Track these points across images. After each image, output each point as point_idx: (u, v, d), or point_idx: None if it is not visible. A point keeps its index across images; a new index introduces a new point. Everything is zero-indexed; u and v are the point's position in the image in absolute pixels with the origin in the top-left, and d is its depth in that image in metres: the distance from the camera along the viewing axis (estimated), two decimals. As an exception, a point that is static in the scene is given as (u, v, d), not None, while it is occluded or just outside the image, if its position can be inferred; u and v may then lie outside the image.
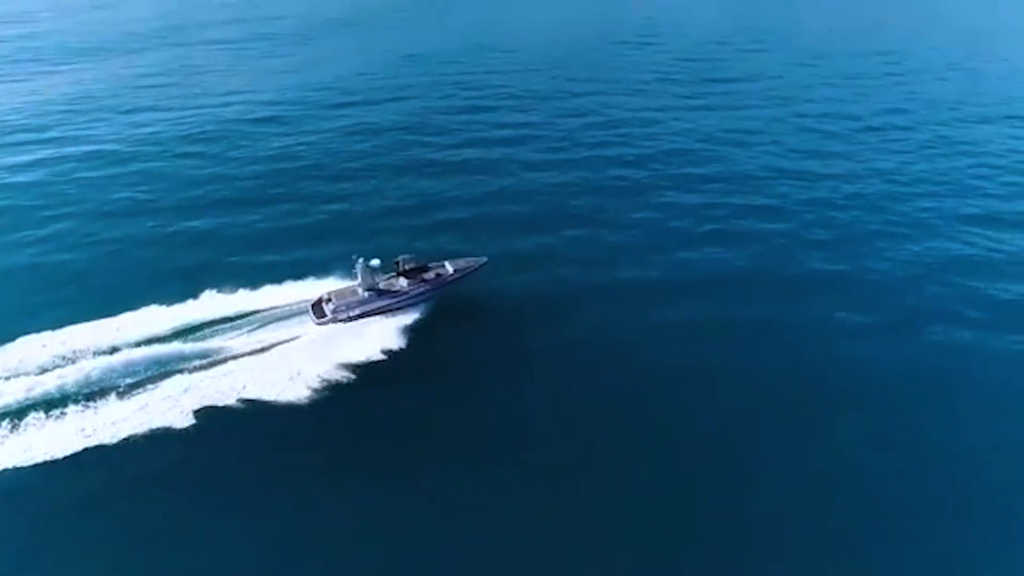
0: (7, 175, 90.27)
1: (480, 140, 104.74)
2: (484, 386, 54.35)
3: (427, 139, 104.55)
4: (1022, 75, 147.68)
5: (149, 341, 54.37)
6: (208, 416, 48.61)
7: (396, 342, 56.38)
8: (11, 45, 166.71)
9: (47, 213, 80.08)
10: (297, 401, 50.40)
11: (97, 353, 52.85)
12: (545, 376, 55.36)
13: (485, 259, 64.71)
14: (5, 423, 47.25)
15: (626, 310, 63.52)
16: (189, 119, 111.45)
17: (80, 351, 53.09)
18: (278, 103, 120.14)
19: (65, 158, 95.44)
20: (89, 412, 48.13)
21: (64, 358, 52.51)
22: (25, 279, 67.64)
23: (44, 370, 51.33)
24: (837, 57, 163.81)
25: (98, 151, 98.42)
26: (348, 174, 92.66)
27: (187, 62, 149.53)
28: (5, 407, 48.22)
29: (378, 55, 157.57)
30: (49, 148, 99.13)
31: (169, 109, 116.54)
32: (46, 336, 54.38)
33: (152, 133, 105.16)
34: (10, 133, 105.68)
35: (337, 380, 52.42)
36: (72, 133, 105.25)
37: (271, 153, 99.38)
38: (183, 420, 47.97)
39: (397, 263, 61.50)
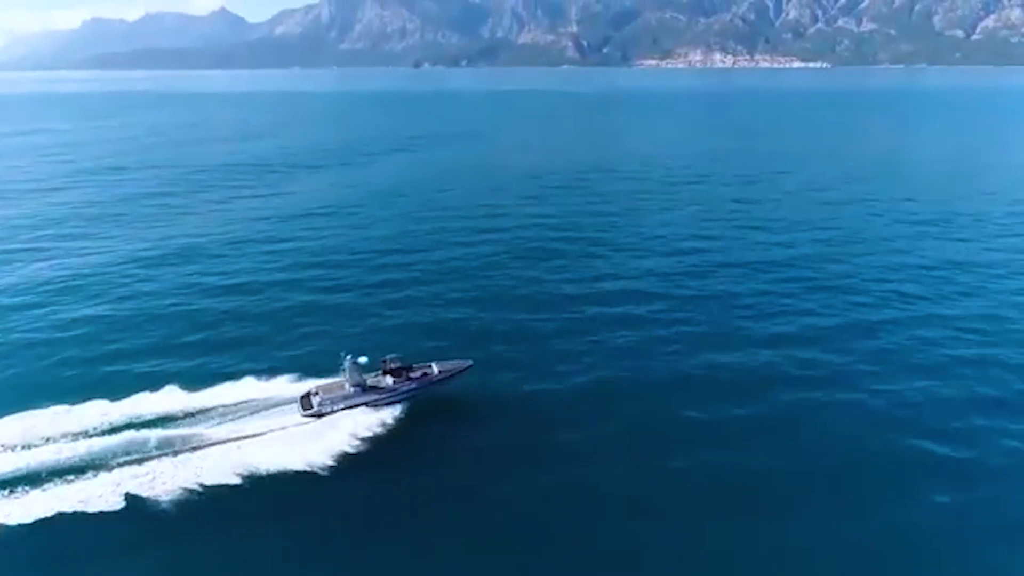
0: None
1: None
2: (462, 478, 54.72)
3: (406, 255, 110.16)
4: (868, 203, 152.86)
5: (138, 426, 56.08)
6: (191, 498, 49.45)
7: (378, 433, 57.85)
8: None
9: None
10: (278, 485, 51.36)
11: (86, 435, 54.67)
12: (525, 472, 55.79)
13: (470, 362, 66.99)
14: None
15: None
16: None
17: (70, 431, 55.01)
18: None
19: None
20: (74, 487, 49.33)
21: (51, 437, 54.33)
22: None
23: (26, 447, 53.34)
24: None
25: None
26: (339, 278, 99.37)
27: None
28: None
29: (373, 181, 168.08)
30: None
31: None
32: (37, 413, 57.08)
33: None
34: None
35: (318, 467, 53.45)
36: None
37: (274, 260, 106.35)
38: (164, 501, 48.77)
39: (384, 361, 63.93)
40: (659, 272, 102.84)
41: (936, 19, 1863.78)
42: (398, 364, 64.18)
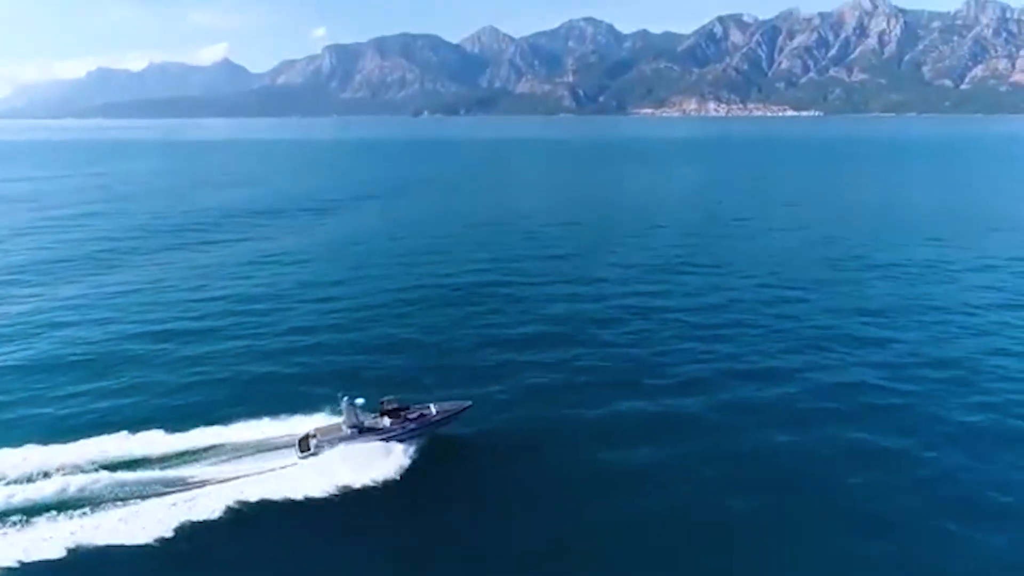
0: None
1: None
2: (459, 518, 53.41)
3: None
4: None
5: (131, 464, 54.88)
6: (183, 537, 47.58)
7: (375, 474, 56.25)
8: None
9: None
10: (272, 524, 49.84)
11: (79, 470, 53.56)
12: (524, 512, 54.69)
13: (470, 403, 65.88)
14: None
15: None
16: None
17: (65, 466, 53.97)
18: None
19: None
20: (61, 524, 47.96)
21: (45, 472, 53.41)
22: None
23: (27, 480, 52.52)
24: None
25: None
26: (338, 319, 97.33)
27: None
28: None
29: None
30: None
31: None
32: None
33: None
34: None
35: (313, 506, 52.23)
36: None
37: (262, 301, 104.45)
38: (157, 541, 47.05)
39: (382, 403, 63.02)
40: (591, 317, 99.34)
41: (925, 69, 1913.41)
42: (396, 405, 62.91)
